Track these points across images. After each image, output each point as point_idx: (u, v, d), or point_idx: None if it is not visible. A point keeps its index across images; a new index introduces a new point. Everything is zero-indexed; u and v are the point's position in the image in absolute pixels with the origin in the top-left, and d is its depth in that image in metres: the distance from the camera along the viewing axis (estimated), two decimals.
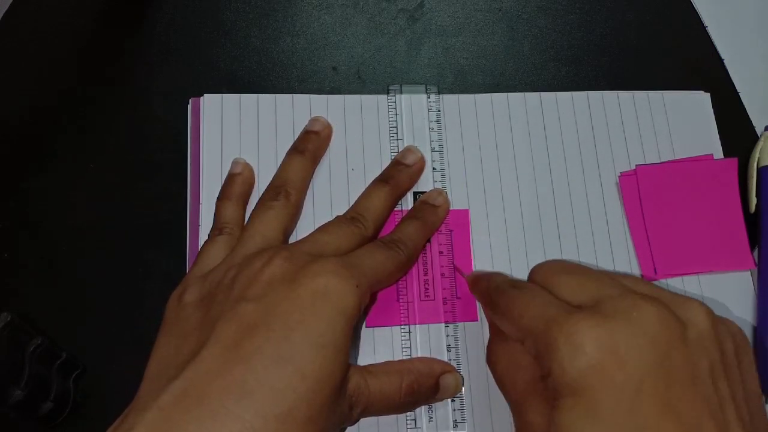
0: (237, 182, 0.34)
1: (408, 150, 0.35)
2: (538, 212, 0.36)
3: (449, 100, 0.38)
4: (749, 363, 0.25)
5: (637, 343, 0.22)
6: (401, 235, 0.32)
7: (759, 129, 0.39)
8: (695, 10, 0.42)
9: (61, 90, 0.38)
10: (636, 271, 0.35)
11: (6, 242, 0.34)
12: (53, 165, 0.36)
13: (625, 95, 0.39)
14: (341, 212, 0.33)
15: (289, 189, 0.32)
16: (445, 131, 0.37)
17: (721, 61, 0.41)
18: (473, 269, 0.34)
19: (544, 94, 0.38)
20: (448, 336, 0.33)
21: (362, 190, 0.35)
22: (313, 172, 0.35)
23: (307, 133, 0.35)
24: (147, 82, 0.38)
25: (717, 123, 0.38)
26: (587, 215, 0.36)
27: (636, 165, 0.37)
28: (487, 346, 0.30)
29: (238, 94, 0.36)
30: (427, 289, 0.33)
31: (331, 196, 0.35)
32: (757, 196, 0.36)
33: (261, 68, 0.39)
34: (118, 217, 0.35)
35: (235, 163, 0.34)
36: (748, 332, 0.34)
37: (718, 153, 0.38)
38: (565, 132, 0.38)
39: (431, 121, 0.36)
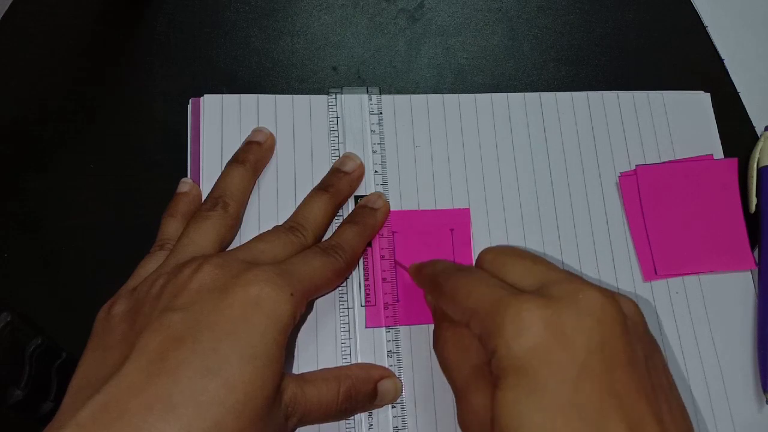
0: (182, 201, 0.33)
1: (347, 157, 0.35)
2: (538, 212, 0.36)
3: (449, 99, 0.38)
4: (665, 360, 0.27)
5: (582, 325, 0.23)
6: (340, 240, 0.31)
7: (759, 129, 0.39)
8: (695, 10, 0.42)
9: (61, 90, 0.38)
10: (636, 271, 0.35)
11: (6, 242, 0.34)
12: (53, 165, 0.36)
13: (625, 95, 0.39)
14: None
15: (227, 200, 0.31)
16: (445, 131, 0.37)
17: (721, 61, 0.41)
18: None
19: (544, 94, 0.38)
20: (389, 341, 0.32)
21: (360, 189, 0.35)
22: (254, 183, 0.34)
23: (248, 144, 0.34)
24: (147, 82, 0.38)
25: (717, 123, 0.38)
26: (587, 215, 0.36)
27: (636, 165, 0.37)
28: (433, 332, 0.30)
29: (238, 94, 0.36)
30: (368, 294, 0.33)
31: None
32: (757, 196, 0.36)
33: (261, 68, 0.39)
34: (118, 217, 0.35)
35: (183, 182, 0.34)
36: (749, 332, 0.34)
37: (718, 153, 0.38)
38: (565, 132, 0.38)
39: (372, 123, 0.36)
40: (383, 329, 0.32)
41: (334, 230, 0.33)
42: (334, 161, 0.35)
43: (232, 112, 0.36)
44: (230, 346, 0.24)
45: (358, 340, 0.32)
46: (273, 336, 0.25)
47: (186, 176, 0.35)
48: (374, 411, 0.31)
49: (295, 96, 0.36)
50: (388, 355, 0.32)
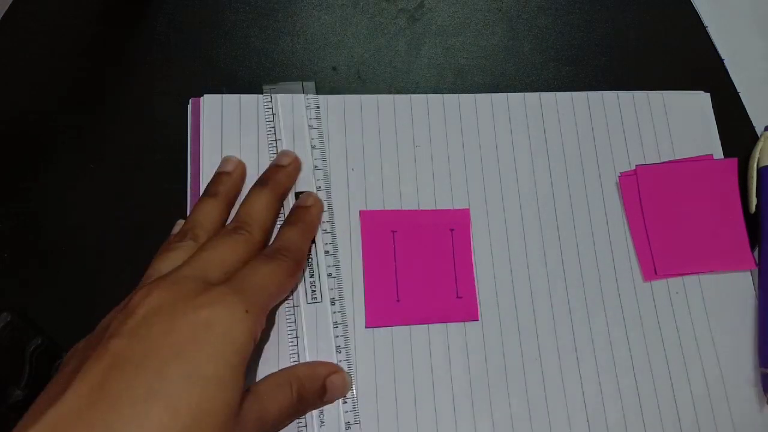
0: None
1: (283, 154, 0.35)
2: (538, 212, 0.36)
3: (449, 99, 0.38)
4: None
5: None
6: (282, 241, 0.31)
7: (759, 129, 0.39)
8: (695, 10, 0.42)
9: (61, 90, 0.38)
10: (636, 271, 0.35)
11: (6, 242, 0.34)
12: (53, 165, 0.36)
13: (625, 95, 0.39)
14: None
15: (197, 231, 0.31)
16: (445, 131, 0.37)
17: (721, 61, 0.41)
18: (474, 268, 0.34)
19: (544, 94, 0.38)
20: (337, 337, 0.32)
21: (360, 189, 0.35)
22: (228, 213, 0.33)
23: (219, 175, 0.34)
24: (147, 82, 0.38)
25: (717, 123, 0.38)
26: (587, 215, 0.36)
27: (636, 165, 0.37)
28: None
29: (238, 94, 0.36)
30: (314, 291, 0.33)
31: (343, 194, 0.35)
32: (757, 196, 0.36)
33: (261, 68, 0.39)
34: (118, 217, 0.35)
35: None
36: (749, 332, 0.34)
37: (718, 153, 0.38)
38: (565, 132, 0.38)
39: (310, 119, 0.36)
40: (330, 326, 0.32)
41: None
42: (333, 159, 0.35)
43: (232, 112, 0.36)
44: (176, 370, 0.23)
45: (306, 338, 0.32)
46: (226, 358, 0.24)
47: (186, 176, 0.35)
48: (325, 408, 0.31)
49: (294, 96, 0.36)
50: (336, 351, 0.32)
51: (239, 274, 0.28)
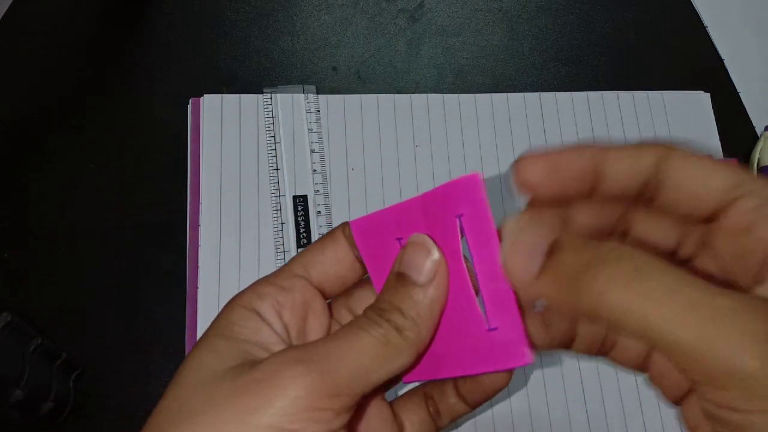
0: None
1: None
2: None
3: (449, 99, 0.38)
4: None
5: None
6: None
7: (759, 129, 0.39)
8: (695, 10, 0.42)
9: (61, 90, 0.38)
10: None
11: (6, 242, 0.34)
12: (53, 165, 0.36)
13: (624, 95, 0.39)
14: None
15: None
16: (445, 130, 0.37)
17: (721, 61, 0.41)
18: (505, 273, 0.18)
19: (544, 94, 0.38)
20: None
21: (360, 188, 0.35)
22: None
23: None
24: (147, 83, 0.38)
25: (717, 123, 0.38)
26: None
27: None
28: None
29: (238, 94, 0.36)
30: None
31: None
32: None
33: (261, 68, 0.39)
34: (118, 217, 0.35)
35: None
36: None
37: (718, 153, 0.38)
38: (564, 132, 0.38)
39: (310, 122, 0.36)
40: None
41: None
42: (334, 159, 0.35)
43: (232, 112, 0.36)
44: None
45: None
46: None
47: (186, 176, 0.35)
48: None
49: (294, 95, 0.36)
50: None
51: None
